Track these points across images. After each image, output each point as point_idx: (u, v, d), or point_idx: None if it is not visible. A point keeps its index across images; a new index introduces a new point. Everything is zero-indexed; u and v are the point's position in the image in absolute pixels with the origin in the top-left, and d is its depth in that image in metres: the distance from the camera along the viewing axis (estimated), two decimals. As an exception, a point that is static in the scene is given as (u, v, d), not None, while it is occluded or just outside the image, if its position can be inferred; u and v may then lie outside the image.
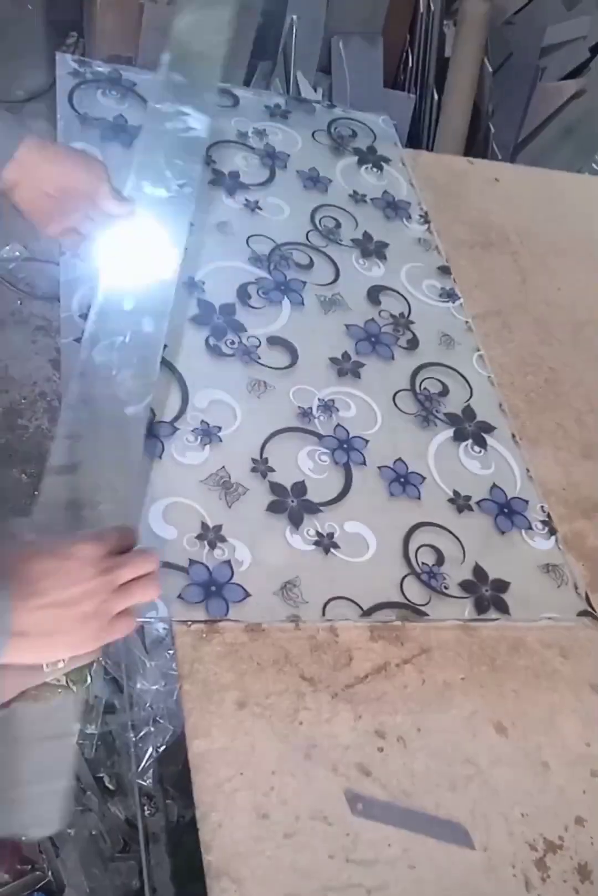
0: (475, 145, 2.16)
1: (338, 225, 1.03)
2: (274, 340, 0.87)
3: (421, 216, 1.08)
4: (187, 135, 0.78)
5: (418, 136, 2.28)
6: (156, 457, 0.74)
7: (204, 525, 0.71)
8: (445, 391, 0.89)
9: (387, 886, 0.58)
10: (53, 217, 0.71)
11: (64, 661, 0.52)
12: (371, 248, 1.01)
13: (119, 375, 0.69)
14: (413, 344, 0.92)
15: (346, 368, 0.87)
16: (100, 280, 0.73)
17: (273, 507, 0.74)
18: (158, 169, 0.76)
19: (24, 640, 0.49)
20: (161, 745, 1.07)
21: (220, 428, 0.77)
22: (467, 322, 0.97)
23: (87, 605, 0.51)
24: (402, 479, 0.80)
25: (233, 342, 0.85)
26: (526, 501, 0.82)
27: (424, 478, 0.80)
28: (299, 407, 0.82)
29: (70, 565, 0.51)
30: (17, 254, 1.96)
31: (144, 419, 0.68)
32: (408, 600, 0.71)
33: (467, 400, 0.89)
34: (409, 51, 2.35)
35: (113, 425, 0.66)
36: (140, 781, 0.86)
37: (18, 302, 1.90)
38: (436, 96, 2.19)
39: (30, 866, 1.09)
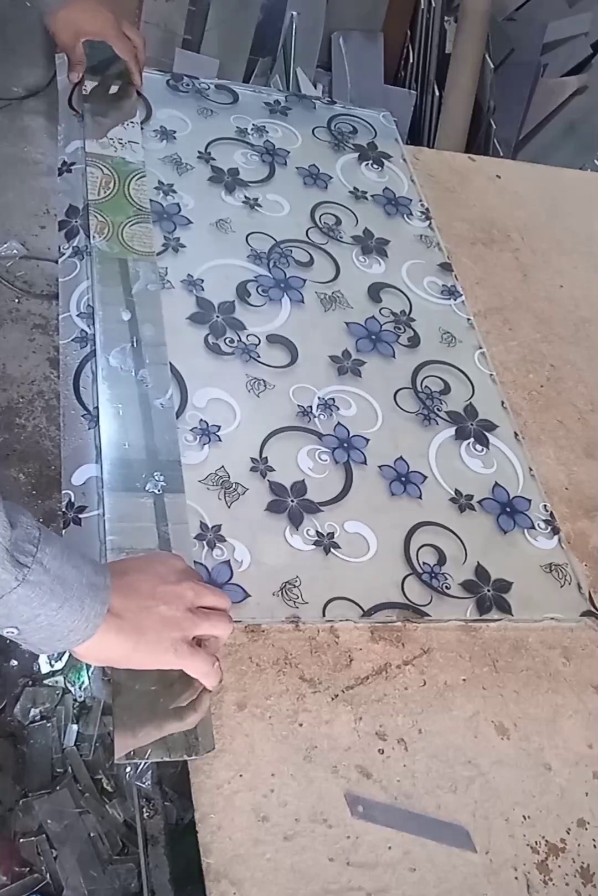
0: (476, 142, 2.15)
1: (338, 222, 1.02)
2: (274, 339, 0.86)
3: (422, 213, 1.07)
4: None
5: (418, 133, 2.28)
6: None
7: (203, 525, 0.70)
8: (446, 389, 0.89)
9: (388, 889, 0.57)
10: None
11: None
12: (372, 245, 1.01)
13: (138, 375, 0.77)
14: (414, 342, 0.92)
15: (346, 367, 0.87)
16: (95, 296, 0.82)
17: (273, 507, 0.73)
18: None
19: (118, 621, 0.55)
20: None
21: (219, 427, 0.77)
22: (468, 319, 0.96)
23: (169, 607, 0.57)
24: (403, 479, 0.79)
25: (232, 340, 0.85)
26: (529, 500, 0.81)
27: (425, 477, 0.80)
28: (299, 406, 0.81)
29: (157, 568, 0.59)
30: (15, 252, 1.95)
31: (171, 409, 0.76)
32: (409, 601, 0.71)
33: (469, 398, 0.88)
34: (410, 47, 2.34)
35: (150, 416, 0.74)
36: (138, 783, 0.86)
37: (16, 300, 1.90)
38: (437, 92, 2.19)
39: (28, 868, 1.09)
